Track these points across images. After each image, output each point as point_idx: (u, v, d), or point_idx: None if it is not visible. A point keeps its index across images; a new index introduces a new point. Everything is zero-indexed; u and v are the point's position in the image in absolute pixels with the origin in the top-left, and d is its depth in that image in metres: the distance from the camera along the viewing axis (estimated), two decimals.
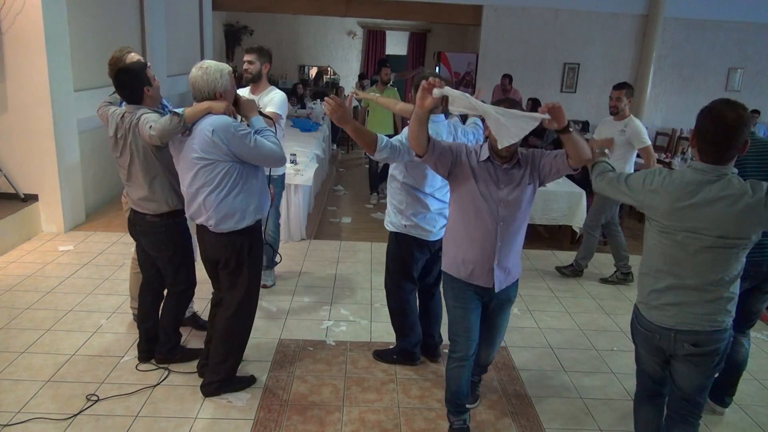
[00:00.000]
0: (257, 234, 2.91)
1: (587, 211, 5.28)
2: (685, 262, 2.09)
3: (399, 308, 3.30)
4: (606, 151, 2.80)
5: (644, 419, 2.48)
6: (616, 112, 4.60)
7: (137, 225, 3.08)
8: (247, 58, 3.95)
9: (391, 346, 3.49)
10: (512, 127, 2.25)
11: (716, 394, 3.06)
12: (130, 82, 2.88)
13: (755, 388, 3.41)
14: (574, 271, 5.03)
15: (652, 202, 2.14)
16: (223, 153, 2.63)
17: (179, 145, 2.73)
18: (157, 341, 3.23)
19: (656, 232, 2.16)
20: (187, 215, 2.91)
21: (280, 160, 2.81)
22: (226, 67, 2.73)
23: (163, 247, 3.05)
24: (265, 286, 4.24)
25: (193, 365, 3.21)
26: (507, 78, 9.20)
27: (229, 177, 2.68)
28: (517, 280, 2.70)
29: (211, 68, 2.68)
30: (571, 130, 2.29)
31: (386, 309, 4.09)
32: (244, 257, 2.82)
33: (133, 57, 3.22)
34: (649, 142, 4.58)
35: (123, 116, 2.89)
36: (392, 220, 3.13)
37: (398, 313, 3.32)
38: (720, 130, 1.99)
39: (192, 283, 3.23)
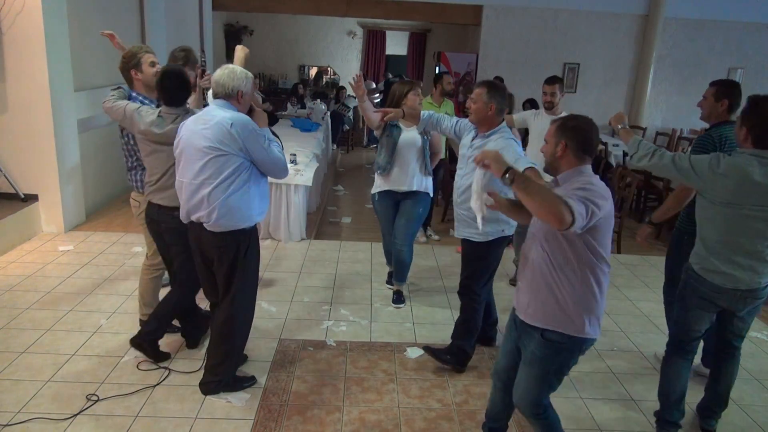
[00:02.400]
0: (255, 235, 2.90)
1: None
2: (749, 232, 2.47)
3: (475, 313, 3.34)
4: (625, 123, 3.01)
5: (677, 372, 2.80)
6: (551, 107, 4.55)
7: (162, 222, 3.09)
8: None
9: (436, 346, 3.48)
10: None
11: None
12: (181, 85, 2.98)
13: (755, 388, 3.41)
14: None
15: (722, 183, 2.44)
16: (237, 148, 2.65)
17: (187, 134, 2.72)
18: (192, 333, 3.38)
19: (721, 206, 2.48)
20: (182, 212, 2.85)
21: (284, 170, 2.88)
22: (251, 75, 2.84)
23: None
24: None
25: (193, 365, 3.22)
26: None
27: (237, 174, 2.69)
28: None
29: (238, 70, 2.78)
30: (507, 177, 2.03)
31: (386, 309, 4.11)
32: (240, 257, 2.81)
33: (150, 58, 3.28)
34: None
35: (175, 119, 2.97)
36: (488, 230, 3.15)
37: (472, 317, 3.35)
38: None
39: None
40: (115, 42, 3.64)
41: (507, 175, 2.03)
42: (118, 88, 3.26)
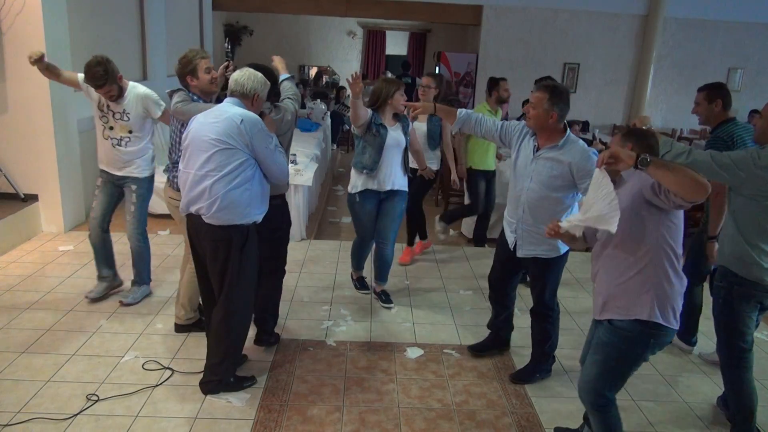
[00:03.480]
0: (252, 235, 2.89)
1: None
2: None
3: (554, 328, 3.26)
4: (650, 125, 3.01)
5: (748, 382, 2.73)
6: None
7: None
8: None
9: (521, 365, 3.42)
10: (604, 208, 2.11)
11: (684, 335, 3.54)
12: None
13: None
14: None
15: (764, 176, 2.48)
16: (244, 143, 2.69)
17: (197, 126, 2.76)
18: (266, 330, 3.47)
19: (760, 201, 2.54)
20: (182, 203, 2.85)
21: (286, 175, 2.92)
22: (269, 83, 2.92)
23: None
24: (121, 303, 3.92)
25: (193, 365, 3.21)
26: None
27: (242, 169, 2.72)
28: None
29: (260, 75, 2.86)
30: (642, 167, 2.00)
31: (386, 310, 4.11)
32: (234, 253, 2.80)
33: (205, 64, 3.35)
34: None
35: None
36: (560, 243, 3.02)
37: (553, 332, 3.28)
38: None
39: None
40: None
41: (640, 159, 1.97)
42: (178, 90, 3.32)
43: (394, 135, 3.90)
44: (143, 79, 6.85)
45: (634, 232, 2.19)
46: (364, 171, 3.90)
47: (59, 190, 5.25)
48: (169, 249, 5.00)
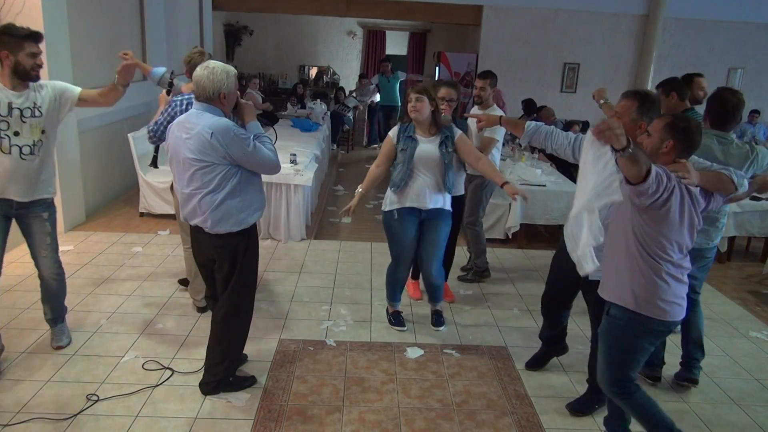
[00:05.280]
0: (254, 235, 2.89)
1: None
2: None
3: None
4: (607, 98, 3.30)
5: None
6: (480, 102, 4.39)
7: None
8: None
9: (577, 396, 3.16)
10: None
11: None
12: None
13: (755, 387, 3.40)
14: (477, 273, 4.72)
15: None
16: (220, 156, 2.59)
17: (174, 142, 2.69)
18: None
19: None
20: (181, 216, 2.88)
21: (275, 168, 2.78)
22: (232, 70, 2.69)
23: None
24: (60, 347, 3.32)
25: (193, 365, 3.22)
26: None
27: (225, 181, 2.65)
28: None
29: (218, 69, 2.63)
30: (629, 151, 1.97)
31: (384, 310, 4.11)
32: (239, 258, 2.80)
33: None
34: (498, 138, 4.31)
35: None
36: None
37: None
38: None
39: None
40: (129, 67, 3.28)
41: (628, 150, 1.96)
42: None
43: (427, 148, 3.49)
44: (143, 79, 6.84)
45: (614, 214, 2.34)
46: (392, 188, 3.58)
47: (59, 190, 5.23)
48: (169, 249, 5.01)
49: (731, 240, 5.59)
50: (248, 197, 2.76)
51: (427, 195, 3.53)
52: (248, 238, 2.83)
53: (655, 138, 2.26)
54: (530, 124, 3.06)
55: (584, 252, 2.27)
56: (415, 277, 4.37)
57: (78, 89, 3.17)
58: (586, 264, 2.30)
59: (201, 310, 3.84)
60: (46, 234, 3.18)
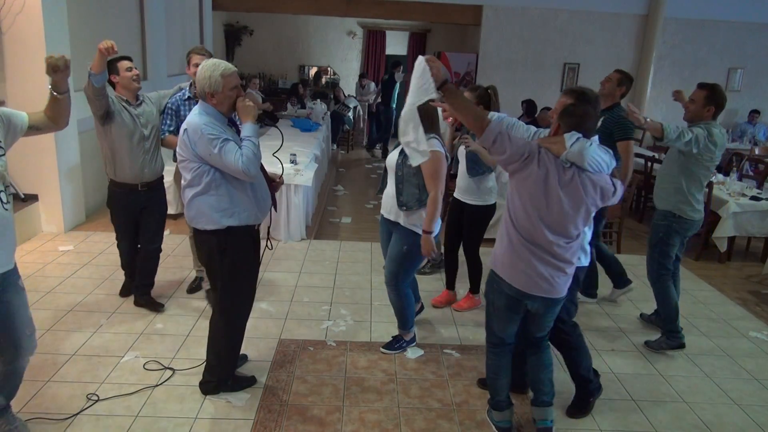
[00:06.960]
0: (241, 239, 2.77)
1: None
2: None
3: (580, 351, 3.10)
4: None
5: (670, 289, 3.73)
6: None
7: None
8: None
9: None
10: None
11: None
12: None
13: (755, 387, 3.41)
14: (435, 266, 4.90)
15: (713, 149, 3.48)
16: (192, 154, 2.62)
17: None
18: None
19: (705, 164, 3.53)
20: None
21: (241, 174, 2.60)
22: (220, 68, 2.61)
23: None
24: None
25: (193, 365, 3.22)
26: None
27: (200, 177, 2.66)
28: None
29: (204, 67, 2.61)
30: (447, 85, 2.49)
31: (386, 309, 4.10)
32: (215, 258, 2.76)
33: (195, 59, 3.69)
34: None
35: None
36: None
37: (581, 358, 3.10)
38: None
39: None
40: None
41: (445, 84, 2.46)
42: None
43: (393, 155, 3.35)
44: (143, 79, 6.84)
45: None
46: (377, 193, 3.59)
47: (59, 190, 5.26)
48: (169, 249, 5.00)
49: (731, 240, 5.59)
50: (227, 199, 2.68)
51: (388, 205, 3.37)
52: (227, 241, 2.73)
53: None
54: (493, 115, 2.82)
55: (411, 148, 2.84)
56: (448, 285, 4.32)
57: (25, 115, 2.47)
58: (414, 159, 2.87)
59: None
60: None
